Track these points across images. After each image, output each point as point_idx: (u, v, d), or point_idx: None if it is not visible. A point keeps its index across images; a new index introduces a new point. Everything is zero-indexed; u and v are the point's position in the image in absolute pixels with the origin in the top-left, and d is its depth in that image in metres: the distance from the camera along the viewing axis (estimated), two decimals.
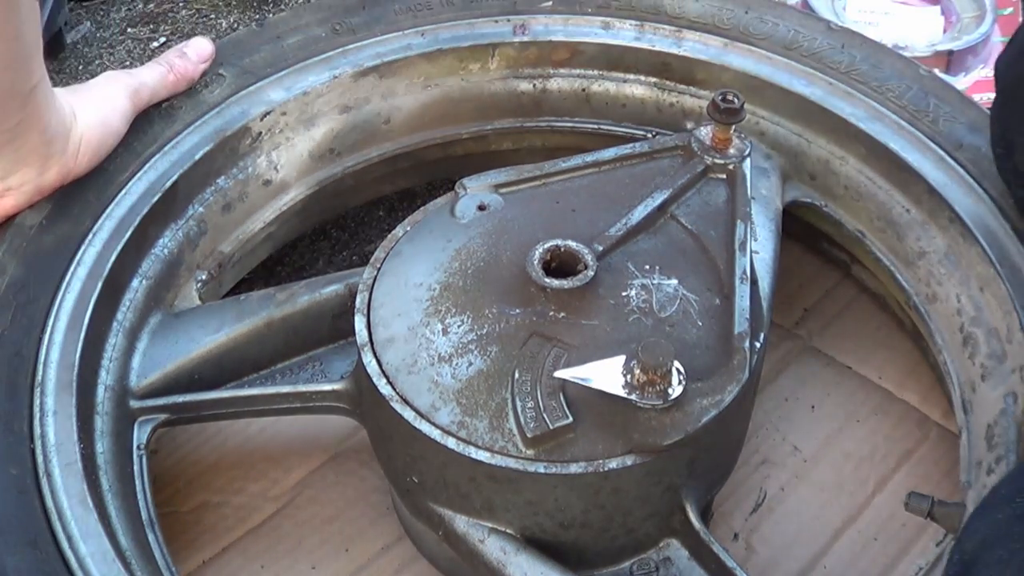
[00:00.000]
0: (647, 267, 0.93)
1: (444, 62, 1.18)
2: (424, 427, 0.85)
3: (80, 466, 0.88)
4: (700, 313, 0.91)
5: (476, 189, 0.99)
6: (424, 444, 0.85)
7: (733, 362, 0.87)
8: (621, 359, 0.84)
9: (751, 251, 0.94)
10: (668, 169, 0.99)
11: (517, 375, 0.86)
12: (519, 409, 0.85)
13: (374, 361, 0.89)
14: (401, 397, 0.87)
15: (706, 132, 1.01)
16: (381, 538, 1.04)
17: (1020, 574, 0.66)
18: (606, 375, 0.84)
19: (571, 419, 0.84)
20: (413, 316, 0.91)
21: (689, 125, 1.17)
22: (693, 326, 0.90)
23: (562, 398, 0.85)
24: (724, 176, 0.99)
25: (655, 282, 0.92)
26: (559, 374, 0.85)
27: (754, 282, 0.94)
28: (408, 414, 0.86)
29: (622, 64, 1.19)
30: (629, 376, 0.83)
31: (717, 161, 0.98)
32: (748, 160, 0.99)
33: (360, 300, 0.93)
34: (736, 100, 0.98)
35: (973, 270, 1.03)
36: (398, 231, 0.98)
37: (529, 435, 0.83)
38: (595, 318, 0.90)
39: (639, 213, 0.96)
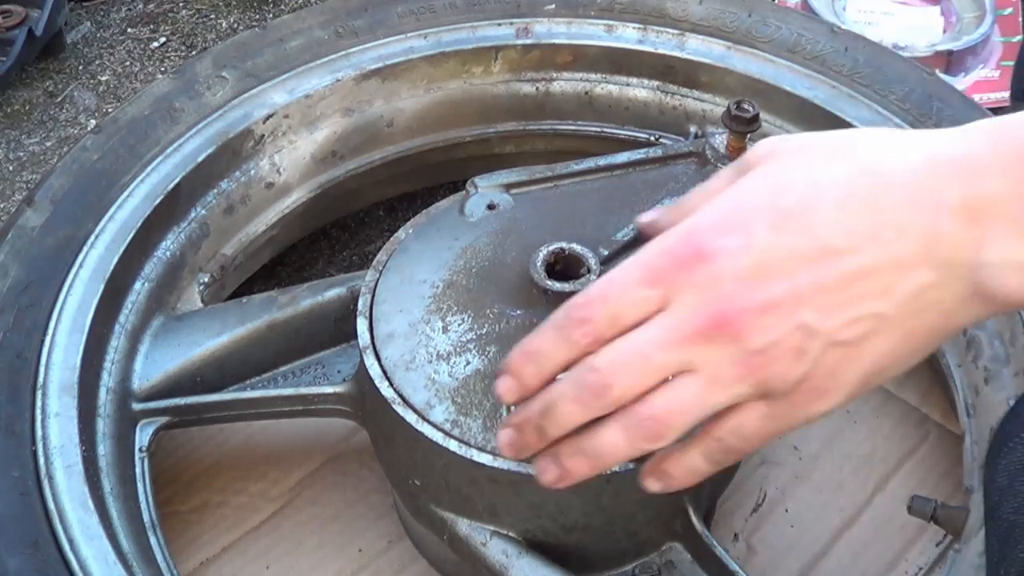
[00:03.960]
0: None
1: (447, 65, 1.18)
2: (426, 429, 0.85)
3: (82, 468, 0.88)
4: None
5: (487, 188, 0.99)
6: (426, 447, 0.85)
7: None
8: None
9: None
10: (681, 176, 0.98)
11: None
12: (512, 411, 0.85)
13: (376, 364, 0.89)
14: (402, 399, 0.87)
15: (721, 140, 1.00)
16: (381, 538, 1.04)
17: None
18: None
19: None
20: (415, 313, 0.91)
21: (692, 128, 1.17)
22: None
23: None
24: None
25: None
26: None
27: None
28: (410, 416, 0.86)
29: (625, 67, 1.19)
30: None
31: None
32: None
33: (362, 303, 0.93)
34: (750, 109, 0.98)
35: None
36: (400, 234, 0.98)
37: None
38: None
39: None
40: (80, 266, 0.98)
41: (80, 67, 1.56)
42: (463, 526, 0.88)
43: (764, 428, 0.66)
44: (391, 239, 0.97)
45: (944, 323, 0.62)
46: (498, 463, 0.83)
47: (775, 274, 0.61)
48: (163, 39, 1.59)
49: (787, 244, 0.61)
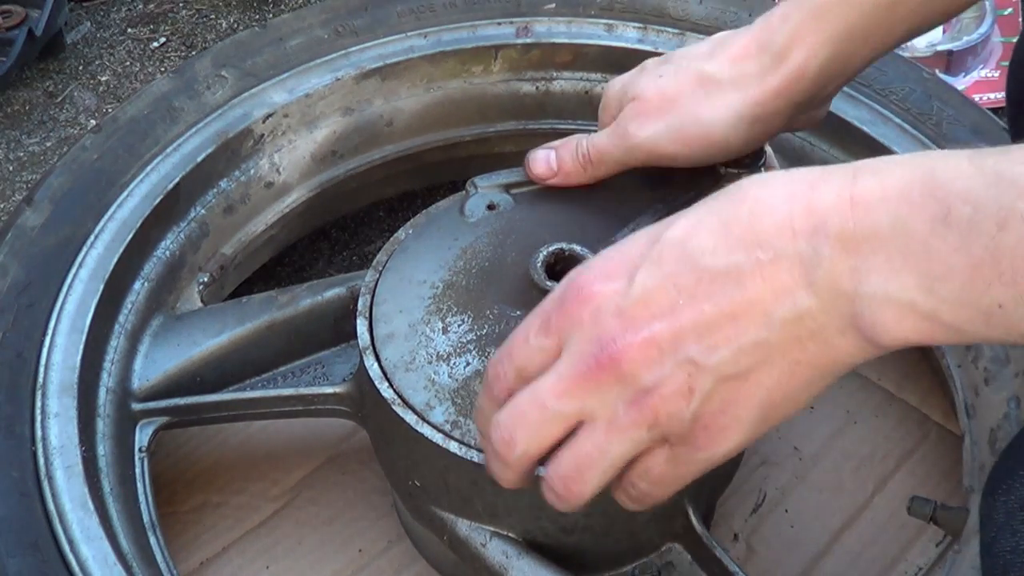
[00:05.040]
0: None
1: (447, 64, 1.18)
2: (426, 430, 0.85)
3: (81, 469, 0.88)
4: None
5: (487, 188, 0.99)
6: (426, 447, 0.85)
7: None
8: None
9: None
10: (682, 175, 0.98)
11: None
12: None
13: (376, 364, 0.89)
14: (402, 400, 0.87)
15: None
16: (381, 538, 1.04)
17: None
18: None
19: None
20: (414, 313, 0.91)
21: None
22: None
23: None
24: None
25: None
26: None
27: None
28: (410, 417, 0.86)
29: (625, 66, 1.16)
30: None
31: (731, 170, 0.98)
32: (762, 170, 0.99)
33: (362, 303, 0.93)
34: None
35: None
36: (400, 234, 0.98)
37: None
38: None
39: (647, 219, 0.95)
40: (80, 266, 0.98)
41: (80, 67, 1.55)
42: (463, 527, 0.88)
43: (672, 472, 0.66)
44: (391, 239, 0.97)
45: (827, 356, 0.61)
46: None
47: (657, 307, 0.62)
48: (163, 39, 1.59)
49: (668, 276, 0.62)
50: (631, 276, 0.63)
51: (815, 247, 0.58)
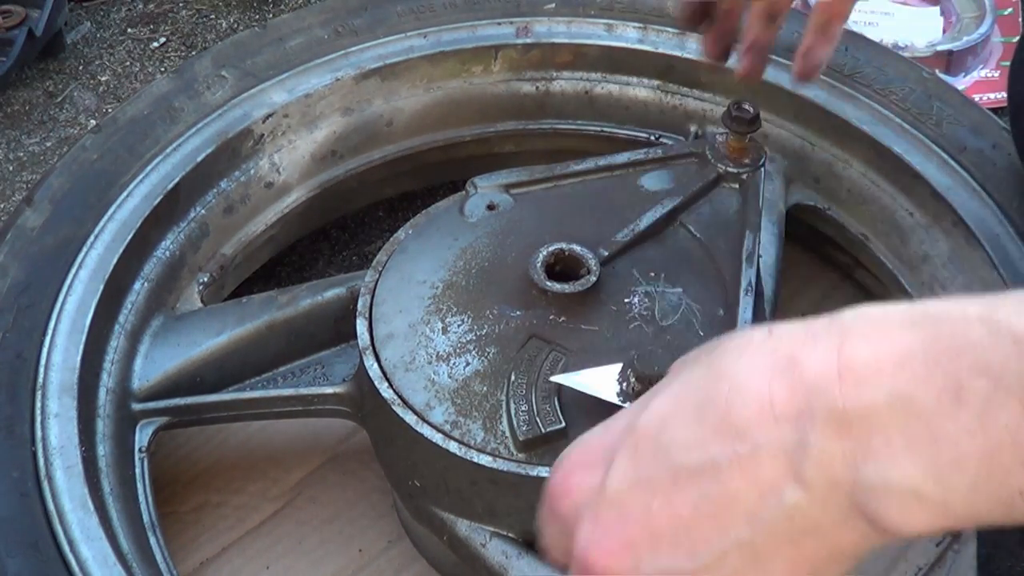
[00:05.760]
0: (652, 274, 0.93)
1: (447, 64, 1.18)
2: (425, 431, 0.85)
3: (81, 469, 0.88)
4: (703, 323, 0.90)
5: (486, 188, 0.99)
6: (425, 448, 0.85)
7: None
8: (617, 367, 0.83)
9: (758, 260, 0.94)
10: (681, 176, 0.98)
11: (513, 377, 0.86)
12: (512, 412, 0.85)
13: (375, 365, 0.89)
14: (402, 400, 0.87)
15: (721, 140, 1.00)
16: (381, 538, 1.04)
17: None
18: (601, 382, 0.83)
19: (564, 424, 0.84)
20: (414, 313, 0.91)
21: (692, 128, 1.16)
22: (695, 336, 0.90)
23: (556, 403, 0.85)
24: (737, 185, 0.99)
25: (659, 290, 0.92)
26: (555, 379, 0.85)
27: (760, 294, 0.93)
28: (410, 417, 0.86)
29: (625, 66, 1.19)
30: (624, 384, 0.82)
31: (731, 170, 0.98)
32: (763, 170, 0.98)
33: (362, 303, 0.93)
34: (750, 109, 0.97)
35: (976, 274, 1.03)
36: (400, 234, 0.98)
37: (521, 438, 0.83)
38: (595, 323, 0.89)
39: (648, 219, 0.95)
40: (80, 266, 0.98)
41: (80, 67, 1.55)
42: (463, 527, 0.88)
43: None
44: (391, 239, 0.97)
45: (829, 549, 0.53)
46: (498, 464, 0.83)
47: (631, 511, 0.56)
48: (163, 39, 1.59)
49: (643, 473, 0.56)
50: (607, 467, 0.57)
51: (800, 434, 0.51)
